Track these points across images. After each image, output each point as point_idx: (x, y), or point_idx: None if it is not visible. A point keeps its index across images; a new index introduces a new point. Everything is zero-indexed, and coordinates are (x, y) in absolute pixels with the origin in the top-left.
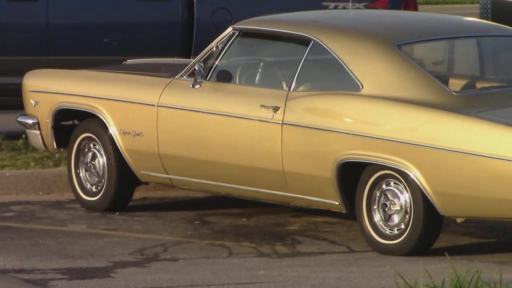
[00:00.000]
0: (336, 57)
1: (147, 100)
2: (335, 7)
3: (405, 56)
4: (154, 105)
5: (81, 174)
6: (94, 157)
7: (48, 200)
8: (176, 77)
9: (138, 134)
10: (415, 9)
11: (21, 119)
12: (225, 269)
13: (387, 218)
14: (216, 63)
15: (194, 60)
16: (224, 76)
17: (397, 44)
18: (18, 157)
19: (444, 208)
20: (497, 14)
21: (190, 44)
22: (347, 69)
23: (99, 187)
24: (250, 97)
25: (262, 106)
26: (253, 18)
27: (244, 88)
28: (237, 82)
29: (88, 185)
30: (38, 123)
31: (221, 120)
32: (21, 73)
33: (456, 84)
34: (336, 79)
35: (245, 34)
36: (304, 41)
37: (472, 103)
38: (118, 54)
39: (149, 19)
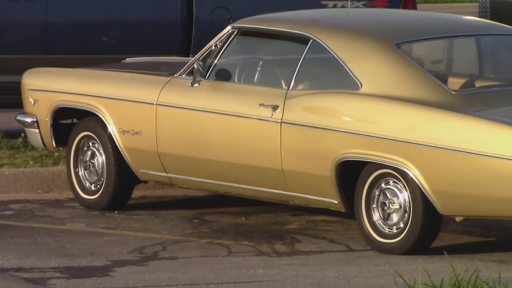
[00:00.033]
0: (335, 55)
1: (146, 98)
2: (334, 6)
3: (404, 55)
4: (153, 104)
5: (80, 173)
6: (93, 155)
7: (47, 199)
8: (175, 75)
9: (137, 133)
10: (414, 7)
11: (20, 117)
12: (224, 268)
13: (386, 217)
14: (215, 62)
15: (193, 58)
16: (223, 75)
17: (396, 43)
18: (17, 156)
19: (443, 207)
20: (496, 13)
21: (189, 42)
22: (346, 68)
23: (98, 186)
24: (249, 96)
25: (261, 104)
26: (252, 17)
27: (243, 87)
28: (236, 80)
29: (87, 184)
30: (37, 121)
31: (220, 119)
32: (20, 71)
33: (455, 83)
34: (335, 78)
35: (244, 32)
36: (303, 40)
37: (471, 102)
38: (117, 52)
39: (148, 18)
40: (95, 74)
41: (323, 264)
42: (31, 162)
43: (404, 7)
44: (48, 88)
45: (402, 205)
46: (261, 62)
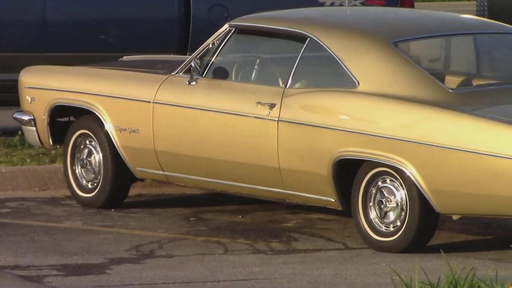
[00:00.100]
0: (333, 54)
1: (143, 96)
2: (332, 4)
3: (402, 53)
4: (150, 102)
5: (77, 171)
6: (90, 153)
7: (44, 197)
8: (172, 74)
9: (134, 131)
10: (412, 6)
11: (17, 115)
12: (220, 266)
13: (383, 215)
14: (212, 60)
15: (191, 57)
16: (220, 73)
17: (394, 41)
18: (14, 154)
19: (440, 205)
20: (493, 11)
21: (186, 40)
22: (344, 66)
23: (95, 184)
24: (246, 94)
25: (258, 103)
26: (249, 15)
27: (240, 85)
28: (233, 79)
29: (84, 182)
30: (34, 119)
31: (217, 117)
32: (18, 69)
33: (452, 81)
34: (332, 76)
35: (241, 31)
36: (300, 38)
37: (468, 100)
38: (115, 50)
39: (145, 16)
40: (92, 72)
41: (320, 262)
42: (28, 160)
43: (402, 5)
44: (45, 86)
45: (399, 204)
46: (258, 60)
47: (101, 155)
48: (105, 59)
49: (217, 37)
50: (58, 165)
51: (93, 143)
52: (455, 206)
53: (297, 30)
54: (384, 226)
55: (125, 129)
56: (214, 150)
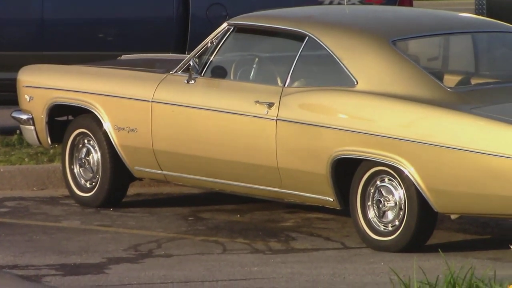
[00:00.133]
0: (331, 53)
1: (141, 95)
2: (330, 3)
3: (400, 52)
4: (148, 101)
5: (75, 170)
6: (88, 153)
7: (42, 196)
8: (170, 72)
9: (132, 130)
10: (410, 4)
11: (15, 114)
12: (219, 265)
13: (381, 215)
14: (211, 59)
15: (189, 55)
16: (219, 72)
17: (392, 40)
18: (13, 153)
19: (438, 204)
20: (492, 9)
21: (185, 39)
22: (342, 65)
23: (93, 183)
24: (245, 93)
25: (257, 102)
26: (248, 14)
27: (239, 84)
28: (231, 78)
29: (82, 181)
30: (32, 118)
31: (215, 116)
32: (16, 68)
33: (451, 80)
34: (331, 75)
35: (240, 29)
36: (299, 37)
37: (467, 99)
38: (113, 49)
39: (144, 15)
40: (91, 71)
41: (318, 261)
42: (26, 159)
43: (400, 4)
44: (43, 85)
45: (397, 203)
46: (257, 59)
47: (99, 154)
48: (104, 58)
49: (215, 36)
50: (57, 164)
51: (91, 142)
52: (453, 206)
53: (295, 29)
54: (383, 225)
55: (124, 128)
56: (212, 149)
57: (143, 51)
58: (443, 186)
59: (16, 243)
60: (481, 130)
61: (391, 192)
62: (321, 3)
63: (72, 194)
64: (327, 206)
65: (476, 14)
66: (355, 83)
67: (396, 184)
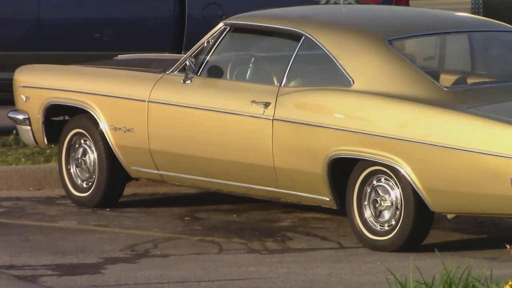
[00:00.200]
0: (327, 52)
1: (138, 95)
2: (327, 2)
3: (396, 52)
4: (145, 101)
5: (71, 170)
6: (84, 153)
7: (38, 196)
8: (167, 72)
9: (129, 130)
10: (406, 4)
11: (12, 114)
12: (215, 265)
13: (377, 214)
14: (207, 59)
15: (185, 55)
16: (215, 72)
17: (388, 40)
18: (9, 153)
19: (434, 204)
20: (488, 9)
21: (181, 39)
22: (338, 65)
23: (90, 183)
24: (241, 93)
25: (253, 101)
26: (244, 13)
27: (235, 84)
28: (228, 77)
29: (79, 181)
30: (29, 118)
31: (212, 116)
32: (13, 68)
33: (447, 79)
34: (327, 75)
35: (236, 29)
36: (295, 37)
37: (463, 98)
38: (110, 49)
39: (140, 14)
40: (87, 71)
41: (315, 261)
42: (22, 159)
43: (397, 3)
44: (40, 85)
45: (394, 203)
46: (253, 59)
47: (96, 154)
48: (100, 58)
49: (212, 35)
50: (53, 164)
51: (88, 142)
52: (450, 205)
53: (292, 29)
54: (379, 225)
55: (120, 128)
56: (209, 149)
57: (140, 51)
58: (439, 186)
59: (12, 243)
60: (477, 129)
61: (387, 192)
62: (317, 3)
63: (69, 194)
64: (323, 206)
65: (472, 13)
66: (351, 82)
67: (392, 183)
